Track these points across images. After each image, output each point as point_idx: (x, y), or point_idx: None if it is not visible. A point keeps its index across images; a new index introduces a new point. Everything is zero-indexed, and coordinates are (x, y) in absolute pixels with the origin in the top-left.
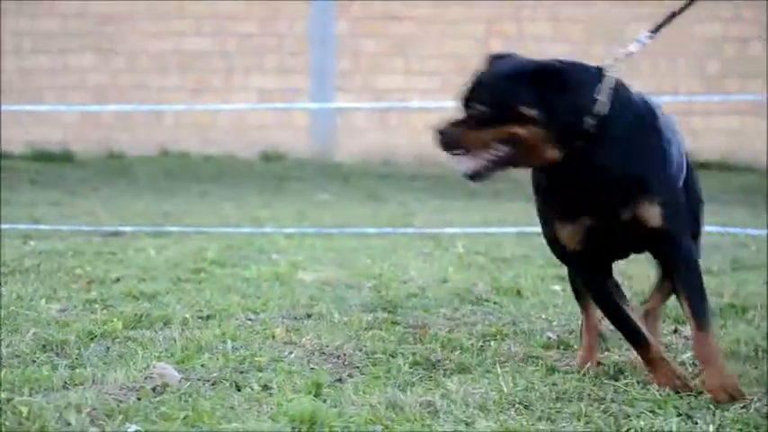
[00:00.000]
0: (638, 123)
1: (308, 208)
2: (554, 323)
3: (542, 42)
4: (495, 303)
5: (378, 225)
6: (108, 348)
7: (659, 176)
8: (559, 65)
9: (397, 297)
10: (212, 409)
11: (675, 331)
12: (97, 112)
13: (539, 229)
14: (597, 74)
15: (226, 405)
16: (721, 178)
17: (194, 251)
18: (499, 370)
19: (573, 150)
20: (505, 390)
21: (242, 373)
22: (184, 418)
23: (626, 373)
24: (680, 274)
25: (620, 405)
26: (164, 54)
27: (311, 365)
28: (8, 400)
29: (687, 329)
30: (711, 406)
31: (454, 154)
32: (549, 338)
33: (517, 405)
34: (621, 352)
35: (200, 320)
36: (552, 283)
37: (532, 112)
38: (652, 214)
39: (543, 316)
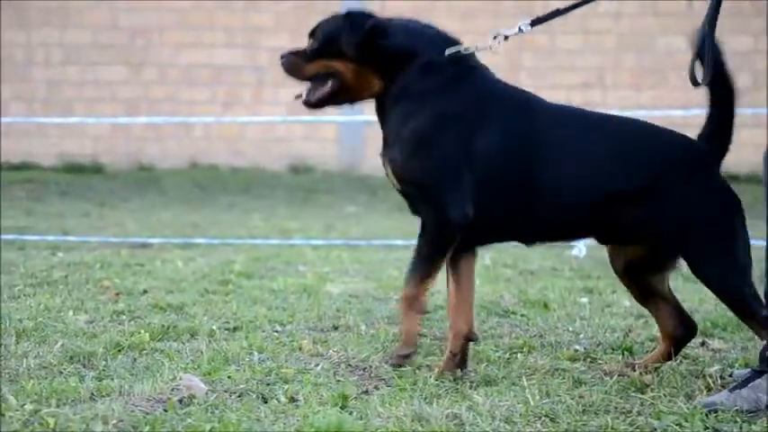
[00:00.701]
0: (467, 97)
1: (335, 220)
2: (581, 335)
3: (573, 55)
4: (522, 316)
5: (405, 237)
6: (135, 360)
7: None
8: (388, 21)
9: None
10: (238, 420)
11: (703, 344)
12: (127, 124)
13: (568, 242)
14: (441, 38)
15: (252, 417)
16: (750, 191)
17: (222, 263)
18: (525, 382)
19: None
20: (532, 402)
21: (268, 384)
22: (211, 430)
23: (652, 386)
24: (424, 233)
25: (646, 418)
26: (194, 67)
27: (338, 377)
28: (35, 412)
29: (715, 343)
30: (738, 419)
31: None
32: (576, 351)
33: (543, 418)
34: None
35: (226, 332)
36: (579, 296)
37: (349, 51)
38: (395, 166)
39: (570, 328)
